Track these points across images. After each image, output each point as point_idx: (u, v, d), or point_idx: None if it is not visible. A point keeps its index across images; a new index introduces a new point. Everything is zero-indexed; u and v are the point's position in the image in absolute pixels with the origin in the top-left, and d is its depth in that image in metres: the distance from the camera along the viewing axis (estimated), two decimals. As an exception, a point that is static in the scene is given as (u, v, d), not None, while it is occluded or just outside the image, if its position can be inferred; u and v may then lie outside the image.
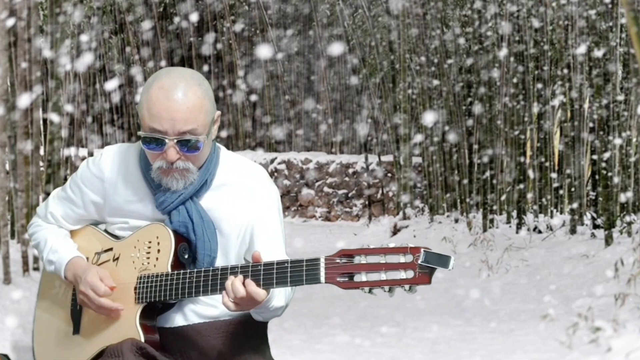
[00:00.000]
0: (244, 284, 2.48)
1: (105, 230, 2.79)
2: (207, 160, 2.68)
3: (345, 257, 2.41)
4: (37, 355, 2.84)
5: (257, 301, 2.48)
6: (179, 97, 2.56)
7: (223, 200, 2.69)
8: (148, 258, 2.65)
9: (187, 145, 2.58)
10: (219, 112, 2.68)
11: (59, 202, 2.83)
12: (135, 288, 2.64)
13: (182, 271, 2.60)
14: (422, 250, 2.36)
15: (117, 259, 2.70)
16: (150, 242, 2.66)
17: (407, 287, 2.37)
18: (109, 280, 2.65)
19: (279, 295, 2.60)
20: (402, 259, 2.37)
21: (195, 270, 2.58)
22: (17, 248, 7.28)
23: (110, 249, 2.73)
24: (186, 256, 2.65)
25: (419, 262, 2.35)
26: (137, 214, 2.70)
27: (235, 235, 2.68)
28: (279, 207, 2.75)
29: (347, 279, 2.40)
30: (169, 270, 2.61)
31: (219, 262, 2.67)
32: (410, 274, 2.36)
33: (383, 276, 2.37)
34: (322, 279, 2.42)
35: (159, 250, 2.64)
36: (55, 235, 2.80)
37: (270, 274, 2.47)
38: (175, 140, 2.57)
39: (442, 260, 2.35)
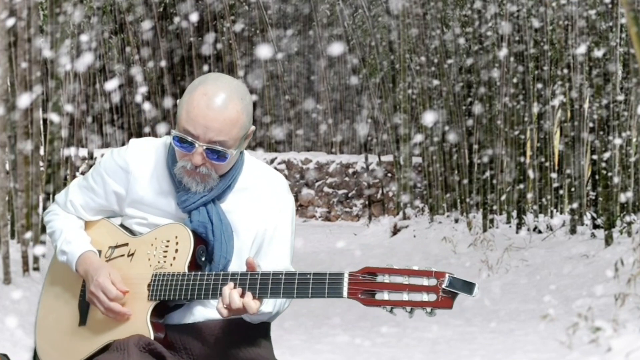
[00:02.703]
0: (242, 295, 2.52)
1: (122, 225, 2.79)
2: (232, 167, 2.71)
3: (369, 274, 2.43)
4: (38, 343, 2.83)
5: (248, 312, 2.53)
6: (218, 106, 2.58)
7: (242, 203, 2.72)
8: (165, 257, 2.66)
9: (214, 154, 2.61)
10: (253, 128, 2.71)
11: (79, 191, 2.83)
12: (149, 285, 2.65)
13: (199, 272, 2.61)
14: (446, 275, 2.37)
15: (132, 254, 2.71)
16: (168, 241, 2.67)
17: (428, 309, 2.39)
18: (121, 284, 2.66)
19: (268, 302, 2.62)
20: (425, 282, 2.39)
21: (214, 273, 2.59)
22: (17, 248, 7.28)
23: (126, 244, 2.73)
24: (203, 258, 2.66)
25: (443, 286, 2.36)
26: (158, 210, 2.72)
27: (251, 240, 2.71)
28: (293, 218, 2.78)
29: (368, 296, 2.42)
30: (186, 270, 2.62)
31: (233, 265, 2.69)
32: (432, 297, 2.38)
33: (405, 297, 2.39)
34: (345, 293, 2.44)
35: (176, 250, 2.65)
36: (70, 226, 2.81)
37: (291, 284, 2.50)
38: (205, 147, 2.60)
39: (466, 287, 2.36)
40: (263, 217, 2.71)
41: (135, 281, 2.67)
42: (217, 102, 2.59)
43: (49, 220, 2.87)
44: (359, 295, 2.42)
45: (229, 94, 2.60)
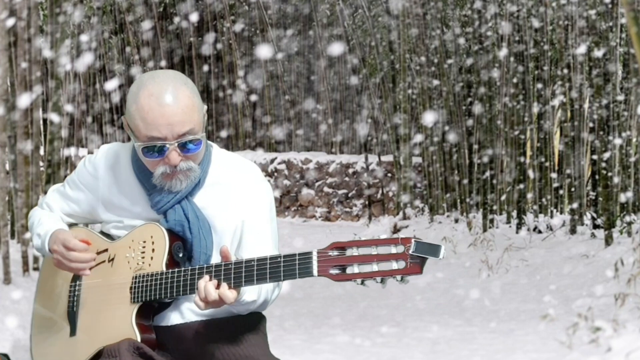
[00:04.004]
0: (218, 287, 2.51)
1: (101, 232, 2.80)
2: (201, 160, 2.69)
3: (338, 249, 2.42)
4: (35, 358, 2.84)
5: (226, 303, 2.51)
6: (170, 100, 2.56)
7: (216, 198, 2.70)
8: (143, 258, 2.66)
9: (187, 146, 2.60)
10: (205, 106, 2.69)
11: (58, 196, 2.86)
12: (131, 288, 2.64)
13: (176, 269, 2.61)
14: (412, 240, 2.37)
15: (112, 259, 2.71)
16: (144, 241, 2.67)
17: (399, 277, 2.38)
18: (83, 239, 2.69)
19: (251, 290, 2.61)
20: (393, 249, 2.38)
21: (190, 268, 2.59)
22: (17, 248, 7.28)
23: (105, 250, 2.74)
24: (181, 255, 2.66)
25: (410, 252, 2.36)
26: (131, 214, 2.72)
27: (230, 233, 2.70)
28: (271, 205, 2.76)
29: (339, 271, 2.41)
30: (164, 269, 2.62)
31: (214, 260, 2.68)
32: (401, 264, 2.37)
33: (375, 267, 2.38)
34: (315, 271, 2.42)
35: (153, 250, 2.65)
36: (47, 215, 2.85)
37: (263, 269, 2.48)
38: (176, 144, 2.58)
39: (433, 250, 2.35)
40: (239, 209, 2.69)
41: (118, 286, 2.67)
42: (167, 96, 2.56)
43: (30, 217, 2.91)
44: (330, 272, 2.40)
45: (173, 85, 2.58)
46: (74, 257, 2.66)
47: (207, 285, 2.50)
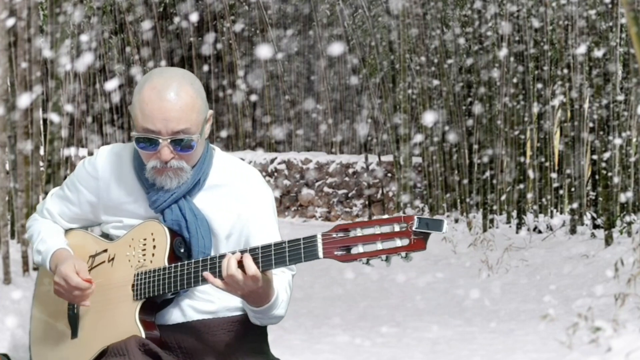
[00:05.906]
0: (241, 261, 2.49)
1: (101, 234, 2.80)
2: (200, 160, 2.70)
3: (342, 231, 2.44)
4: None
5: (250, 276, 2.48)
6: (171, 96, 2.58)
7: (215, 200, 2.70)
8: (144, 255, 2.66)
9: (180, 144, 2.61)
10: (211, 111, 2.70)
11: (57, 200, 2.86)
12: (133, 285, 2.64)
13: (179, 263, 2.61)
14: (415, 217, 2.38)
15: (113, 259, 2.71)
16: (145, 239, 2.67)
17: (403, 254, 2.40)
18: (85, 273, 2.67)
19: (282, 305, 2.63)
20: (396, 227, 2.40)
21: (193, 260, 2.59)
22: (17, 248, 7.28)
23: (105, 251, 2.73)
24: (182, 250, 2.66)
25: (414, 228, 2.37)
26: (130, 213, 2.72)
27: (225, 235, 2.70)
28: (273, 207, 2.77)
29: (344, 252, 2.42)
30: (166, 264, 2.62)
31: None
32: (405, 241, 2.39)
33: (379, 246, 2.40)
34: (320, 254, 2.44)
35: (154, 247, 2.65)
36: (48, 228, 2.84)
37: (268, 255, 2.49)
38: (169, 140, 2.59)
39: (436, 225, 2.37)
40: (241, 214, 2.69)
41: (120, 284, 2.67)
42: (169, 92, 2.58)
43: (29, 226, 2.91)
44: (335, 253, 2.42)
45: (177, 82, 2.59)
46: (76, 285, 2.65)
47: (230, 258, 2.50)
